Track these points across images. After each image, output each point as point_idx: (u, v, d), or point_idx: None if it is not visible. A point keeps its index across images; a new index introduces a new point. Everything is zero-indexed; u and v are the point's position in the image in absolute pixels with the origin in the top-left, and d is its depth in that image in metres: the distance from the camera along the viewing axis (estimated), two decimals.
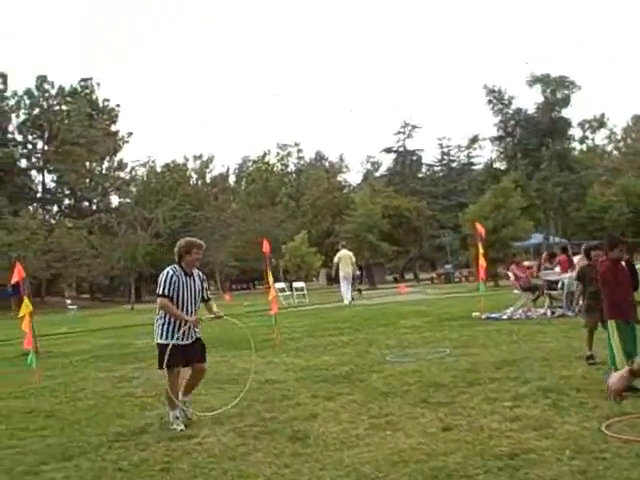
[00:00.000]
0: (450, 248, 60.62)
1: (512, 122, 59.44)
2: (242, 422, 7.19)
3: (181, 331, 7.13)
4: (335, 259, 25.77)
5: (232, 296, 50.21)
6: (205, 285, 7.55)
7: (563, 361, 9.34)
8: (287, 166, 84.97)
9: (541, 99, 58.48)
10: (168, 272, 7.18)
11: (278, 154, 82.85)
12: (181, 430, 6.91)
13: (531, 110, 59.15)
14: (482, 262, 16.87)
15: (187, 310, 7.19)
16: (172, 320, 7.17)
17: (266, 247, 15.02)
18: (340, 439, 6.26)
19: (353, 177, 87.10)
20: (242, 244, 63.06)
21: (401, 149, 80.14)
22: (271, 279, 14.99)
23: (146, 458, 6.11)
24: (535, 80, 57.76)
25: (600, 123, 71.82)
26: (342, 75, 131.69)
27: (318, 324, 17.51)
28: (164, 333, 7.17)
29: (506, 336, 12.46)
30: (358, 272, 24.43)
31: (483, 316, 15.65)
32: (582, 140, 65.73)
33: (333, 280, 30.15)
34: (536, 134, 56.86)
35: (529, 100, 71.97)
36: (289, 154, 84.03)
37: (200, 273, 7.48)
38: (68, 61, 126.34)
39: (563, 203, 54.19)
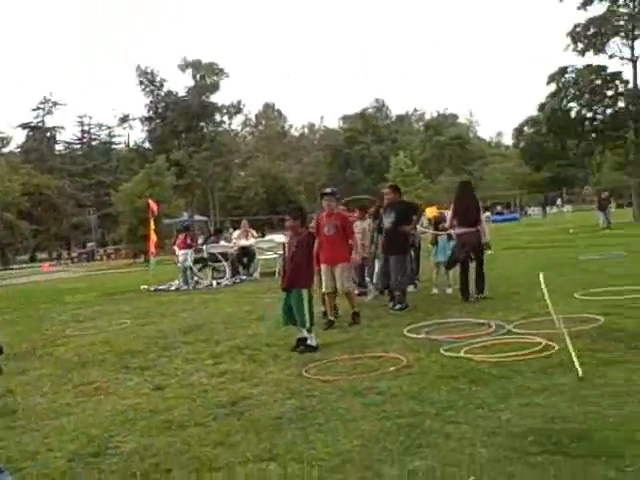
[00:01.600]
0: (94, 226, 59.21)
1: (163, 104, 60.33)
2: None
3: None
4: None
5: None
6: None
7: (243, 323, 10.04)
8: None
9: (192, 83, 60.35)
10: None
11: None
12: None
13: (182, 93, 60.70)
14: (153, 237, 17.03)
15: None
16: None
17: None
18: (52, 409, 6.04)
19: None
20: None
21: (40, 125, 75.75)
22: None
23: None
24: (187, 65, 59.51)
25: (237, 109, 75.69)
26: None
27: None
28: None
29: (181, 305, 12.89)
30: None
31: (152, 288, 15.84)
32: (220, 124, 68.89)
33: None
34: (186, 117, 58.53)
35: (180, 84, 73.46)
36: None
37: None
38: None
39: (215, 183, 56.97)
